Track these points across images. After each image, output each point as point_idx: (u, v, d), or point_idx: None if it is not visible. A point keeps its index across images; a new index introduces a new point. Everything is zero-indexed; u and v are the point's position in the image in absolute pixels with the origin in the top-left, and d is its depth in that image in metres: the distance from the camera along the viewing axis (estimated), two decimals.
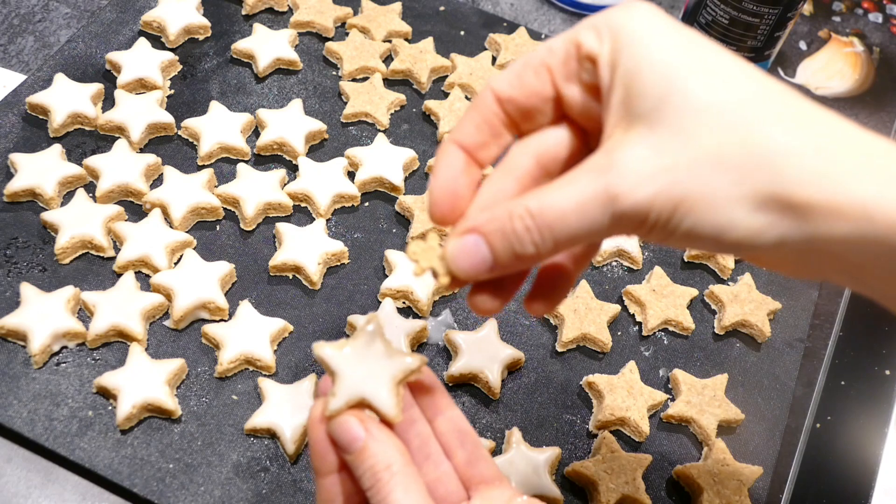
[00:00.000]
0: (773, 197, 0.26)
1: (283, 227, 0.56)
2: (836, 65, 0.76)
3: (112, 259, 0.54)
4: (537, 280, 0.35)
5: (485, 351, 0.52)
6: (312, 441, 0.34)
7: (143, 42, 0.64)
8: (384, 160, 0.60)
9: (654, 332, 0.57)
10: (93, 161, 0.57)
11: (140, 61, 0.62)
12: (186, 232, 0.56)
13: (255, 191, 0.57)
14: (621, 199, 0.27)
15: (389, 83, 0.67)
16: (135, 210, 0.57)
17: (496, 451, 0.50)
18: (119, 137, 0.59)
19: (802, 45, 0.78)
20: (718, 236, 0.27)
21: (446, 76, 0.68)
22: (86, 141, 0.59)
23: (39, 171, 0.55)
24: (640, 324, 0.57)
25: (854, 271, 0.28)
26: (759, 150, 0.26)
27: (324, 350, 0.34)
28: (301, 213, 0.59)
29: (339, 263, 0.57)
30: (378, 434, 0.33)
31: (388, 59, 0.68)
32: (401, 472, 0.32)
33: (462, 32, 0.71)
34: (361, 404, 0.33)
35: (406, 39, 0.69)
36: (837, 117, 0.28)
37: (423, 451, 0.35)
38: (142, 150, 0.60)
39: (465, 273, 0.30)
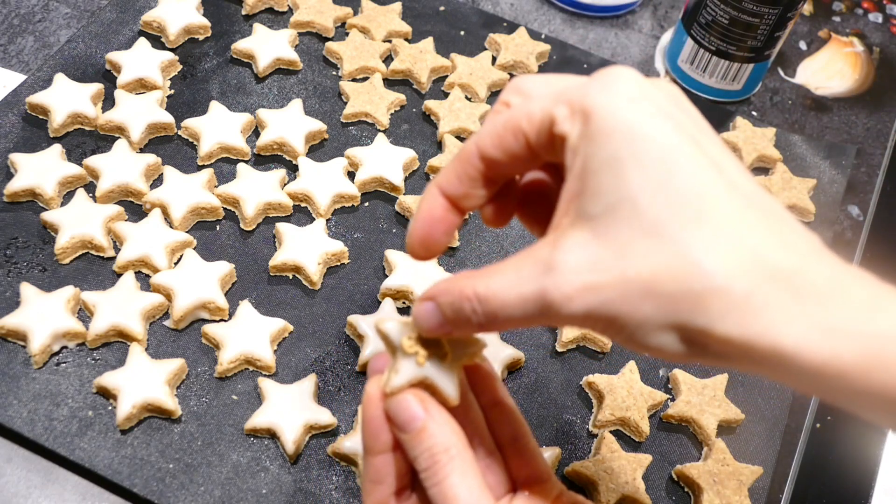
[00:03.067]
0: (693, 331, 0.27)
1: (283, 227, 0.56)
2: (836, 65, 0.76)
3: (112, 259, 0.54)
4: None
5: (484, 351, 0.52)
6: (367, 418, 0.33)
7: (143, 42, 0.64)
8: (384, 160, 0.60)
9: None
10: (93, 161, 0.57)
11: (140, 61, 0.62)
12: (186, 232, 0.56)
13: (255, 191, 0.57)
14: (555, 307, 0.28)
15: (389, 83, 0.67)
16: (135, 210, 0.57)
17: None
18: (119, 137, 0.59)
19: (802, 45, 0.78)
20: (644, 349, 0.28)
21: (446, 76, 0.68)
22: (86, 141, 0.59)
23: (39, 171, 0.56)
24: None
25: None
26: (690, 285, 0.26)
27: (386, 325, 0.33)
28: (301, 213, 0.59)
29: (339, 263, 0.57)
30: (438, 416, 0.32)
31: (388, 59, 0.68)
32: (459, 457, 0.32)
33: (462, 32, 0.71)
34: (422, 384, 0.33)
35: (406, 39, 0.69)
36: (795, 244, 0.27)
37: (475, 439, 0.35)
38: (142, 150, 0.60)
39: (426, 330, 0.32)
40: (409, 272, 0.55)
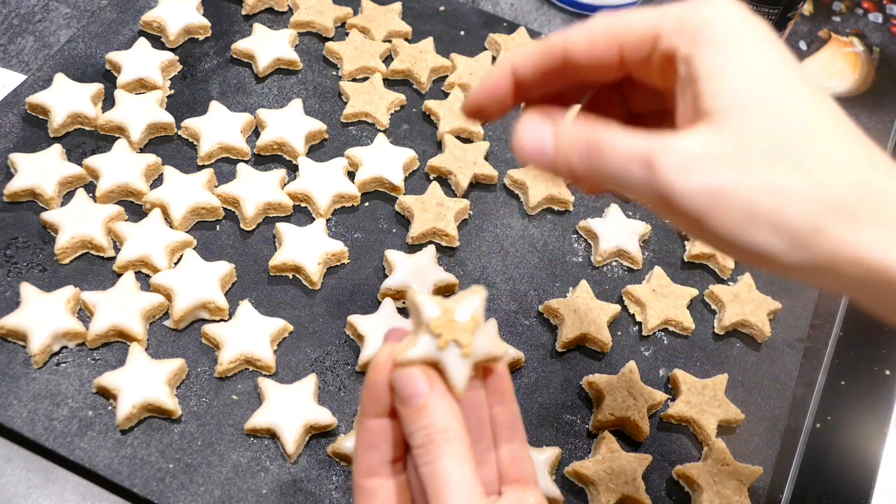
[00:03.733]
0: (802, 233, 0.28)
1: (283, 227, 0.56)
2: (836, 65, 0.76)
3: (112, 259, 0.54)
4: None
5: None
6: (371, 382, 0.33)
7: (143, 42, 0.64)
8: (384, 160, 0.60)
9: (654, 332, 0.57)
10: (93, 161, 0.57)
11: (140, 61, 0.62)
12: (186, 232, 0.56)
13: (255, 191, 0.57)
14: (662, 178, 0.29)
15: (389, 83, 0.67)
16: (135, 210, 0.57)
17: None
18: (119, 137, 0.59)
19: (802, 45, 0.78)
20: (738, 248, 0.29)
21: (446, 76, 0.68)
22: (86, 141, 0.59)
23: (39, 171, 0.55)
24: (640, 324, 0.57)
25: (866, 299, 0.30)
26: (809, 191, 0.28)
27: (420, 297, 0.33)
28: (301, 213, 0.59)
29: (339, 263, 0.57)
30: (441, 395, 0.32)
31: (388, 59, 0.68)
32: (456, 440, 0.31)
33: (462, 32, 0.71)
34: (434, 365, 0.33)
35: (406, 39, 0.69)
36: (882, 156, 0.30)
37: (477, 434, 0.35)
38: (142, 150, 0.60)
39: (526, 157, 0.33)
40: (408, 272, 0.55)
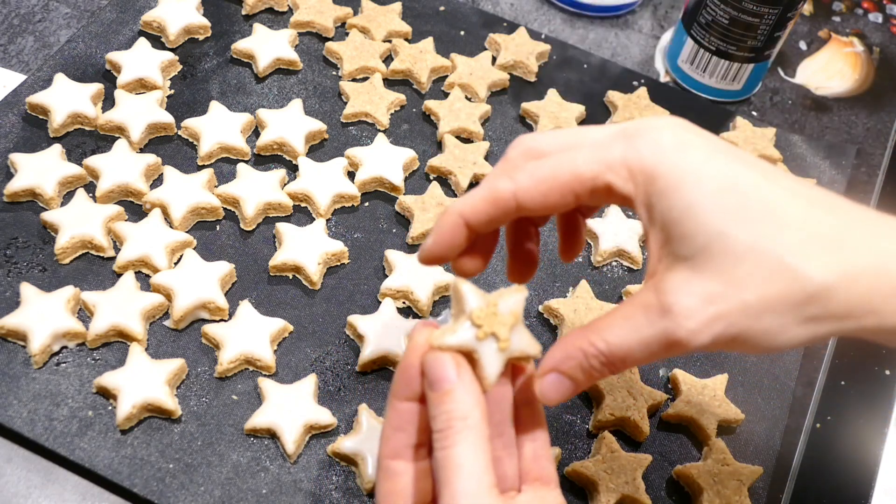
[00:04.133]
0: (820, 317, 0.30)
1: (283, 227, 0.56)
2: (836, 65, 0.76)
3: (112, 259, 0.54)
4: (511, 260, 0.39)
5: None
6: (406, 364, 0.34)
7: (143, 42, 0.64)
8: (384, 160, 0.60)
9: None
10: (93, 161, 0.57)
11: (140, 61, 0.62)
12: (186, 232, 0.56)
13: (255, 191, 0.57)
14: (683, 343, 0.31)
15: (389, 83, 0.67)
16: (135, 210, 0.57)
17: None
18: (119, 137, 0.59)
19: (802, 45, 0.78)
20: (770, 351, 0.32)
21: (446, 76, 0.68)
22: (86, 141, 0.59)
23: (39, 171, 0.55)
24: None
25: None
26: (803, 292, 0.30)
27: (465, 287, 0.34)
28: (301, 213, 0.59)
29: (339, 263, 0.57)
30: (468, 384, 0.33)
31: (388, 59, 0.68)
32: (475, 429, 0.32)
33: (462, 32, 0.71)
34: (469, 355, 0.33)
35: (406, 39, 0.69)
36: (866, 226, 0.31)
37: (499, 428, 0.35)
38: (142, 150, 0.60)
39: (556, 402, 0.35)
40: (408, 272, 0.55)
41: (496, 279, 0.57)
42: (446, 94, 0.66)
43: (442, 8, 0.72)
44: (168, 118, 0.60)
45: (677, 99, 0.70)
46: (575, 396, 0.53)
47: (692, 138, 0.32)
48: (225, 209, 0.57)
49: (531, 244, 0.39)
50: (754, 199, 0.30)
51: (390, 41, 0.68)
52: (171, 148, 0.60)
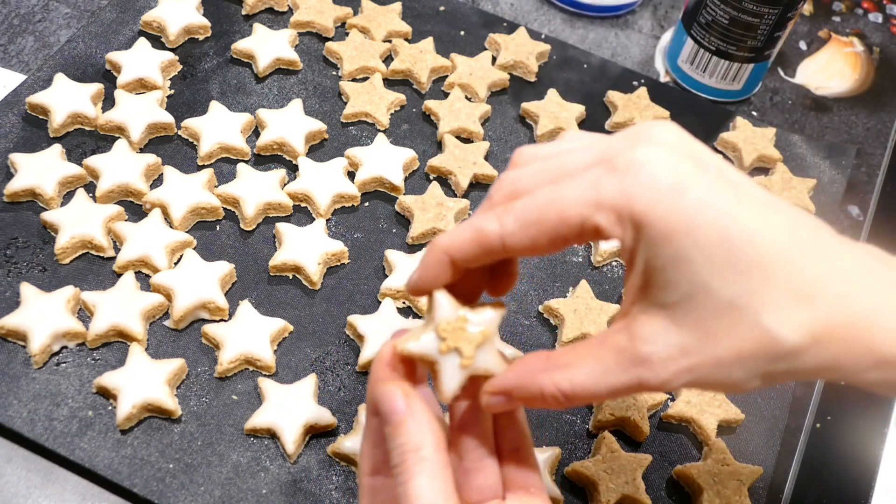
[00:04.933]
0: (787, 372, 0.31)
1: (283, 227, 0.56)
2: (836, 65, 0.76)
3: (112, 259, 0.54)
4: (490, 273, 0.37)
5: None
6: (373, 380, 0.34)
7: (143, 42, 0.64)
8: (384, 160, 0.60)
9: None
10: (93, 161, 0.57)
11: (140, 61, 0.62)
12: (186, 232, 0.56)
13: (255, 191, 0.57)
14: (653, 389, 0.31)
15: (389, 83, 0.67)
16: (135, 210, 0.57)
17: None
18: (119, 137, 0.59)
19: (802, 45, 0.78)
20: (731, 393, 0.33)
21: (446, 76, 0.68)
22: (86, 141, 0.59)
23: (39, 171, 0.55)
24: None
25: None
26: (774, 352, 0.30)
27: (439, 296, 0.34)
28: (301, 213, 0.59)
29: (339, 263, 0.57)
30: (418, 414, 0.32)
31: (388, 59, 0.68)
32: (430, 459, 0.32)
33: (462, 32, 0.71)
34: (430, 364, 0.33)
35: (406, 39, 0.69)
36: (848, 277, 0.31)
37: (479, 440, 0.35)
38: (142, 150, 0.60)
39: (493, 412, 0.35)
40: (408, 272, 0.55)
41: None
42: (446, 94, 0.66)
43: (442, 8, 0.72)
44: (168, 118, 0.60)
45: (677, 99, 0.70)
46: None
47: (689, 176, 0.30)
48: (225, 209, 0.57)
49: (512, 262, 0.38)
50: (742, 251, 0.30)
51: (390, 41, 0.68)
52: (171, 148, 0.60)
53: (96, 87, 0.60)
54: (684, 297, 0.30)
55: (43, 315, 0.50)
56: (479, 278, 0.37)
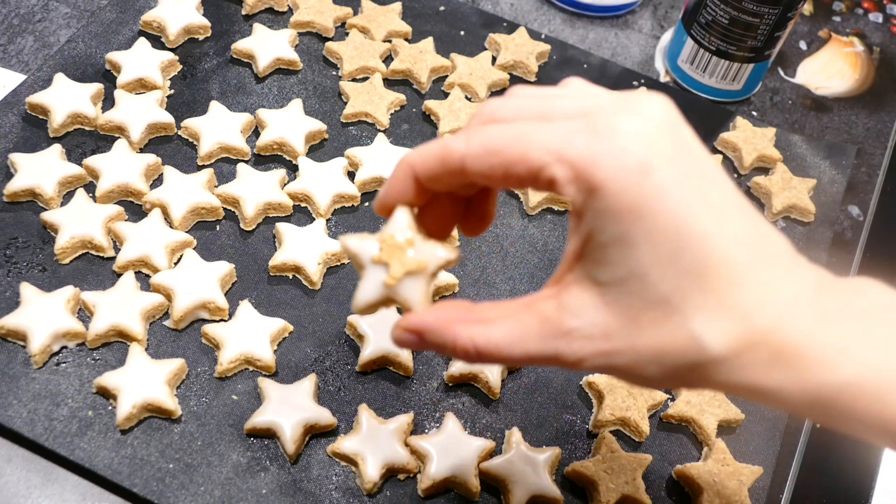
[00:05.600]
0: (690, 382, 0.31)
1: (283, 227, 0.56)
2: (836, 65, 0.76)
3: (112, 259, 0.54)
4: (464, 213, 0.37)
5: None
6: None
7: (143, 42, 0.64)
8: (384, 160, 0.60)
9: None
10: (93, 161, 0.57)
11: (140, 61, 0.62)
12: (186, 232, 0.56)
13: (255, 191, 0.57)
14: (566, 363, 0.31)
15: (389, 83, 0.67)
16: (135, 210, 0.57)
17: (496, 451, 0.50)
18: (119, 137, 0.59)
19: (802, 45, 0.78)
20: (637, 386, 0.33)
21: (446, 76, 0.68)
22: (86, 141, 0.59)
23: (39, 171, 0.55)
24: None
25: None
26: (693, 360, 0.29)
27: (349, 242, 0.33)
28: (301, 213, 0.59)
29: (339, 263, 0.57)
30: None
31: (388, 59, 0.68)
32: None
33: (462, 32, 0.71)
34: (359, 268, 0.33)
35: (406, 39, 0.69)
36: (784, 292, 0.30)
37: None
38: (142, 150, 0.60)
39: (400, 346, 0.34)
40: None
41: (496, 279, 0.58)
42: (446, 94, 0.66)
43: (442, 8, 0.72)
44: (168, 118, 0.60)
45: (677, 99, 0.69)
46: (574, 395, 0.53)
47: (660, 157, 0.29)
48: (225, 209, 0.57)
49: (489, 201, 0.37)
50: (690, 251, 0.28)
51: (390, 41, 0.68)
52: (171, 148, 0.60)
53: (96, 87, 0.60)
54: (620, 280, 0.29)
55: (43, 315, 0.50)
56: (451, 212, 0.36)
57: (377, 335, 0.52)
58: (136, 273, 0.53)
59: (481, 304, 0.33)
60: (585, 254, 0.30)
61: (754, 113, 0.71)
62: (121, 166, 0.57)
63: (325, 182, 0.59)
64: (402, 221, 0.33)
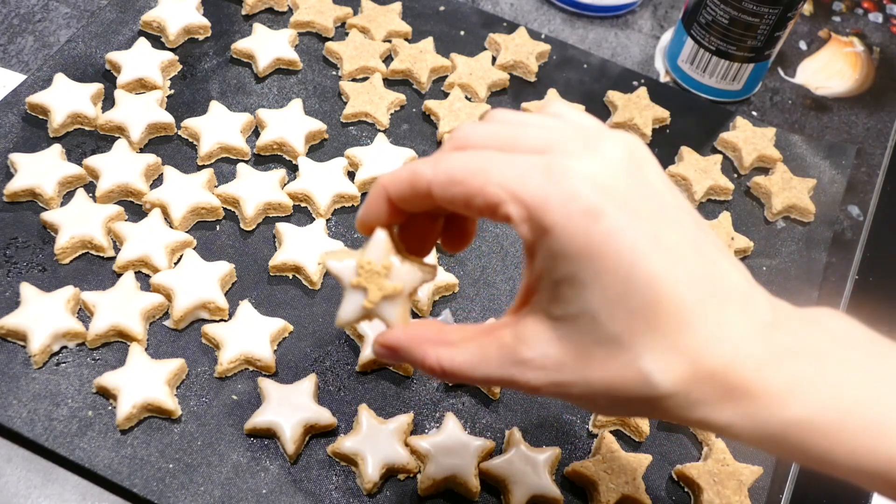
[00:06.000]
0: (649, 412, 0.32)
1: (283, 227, 0.56)
2: (836, 65, 0.76)
3: (112, 259, 0.54)
4: (445, 228, 0.39)
5: None
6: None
7: (143, 42, 0.64)
8: (384, 160, 0.60)
9: None
10: (93, 161, 0.57)
11: (140, 61, 0.62)
12: (186, 232, 0.56)
13: (255, 191, 0.57)
14: (521, 387, 0.32)
15: (389, 83, 0.67)
16: (135, 210, 0.57)
17: (496, 451, 0.50)
18: (119, 137, 0.59)
19: (802, 45, 0.78)
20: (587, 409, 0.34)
21: (446, 76, 0.68)
22: (86, 141, 0.59)
23: (39, 171, 0.55)
24: None
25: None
26: (642, 395, 0.30)
27: (331, 263, 0.36)
28: (301, 213, 0.59)
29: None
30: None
31: (388, 59, 0.68)
32: None
33: (462, 32, 0.71)
34: (368, 316, 0.36)
35: (406, 39, 0.69)
36: (731, 335, 0.30)
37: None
38: (142, 150, 0.60)
39: (379, 358, 0.37)
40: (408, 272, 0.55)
41: (496, 278, 0.58)
42: (446, 94, 0.66)
43: (442, 8, 0.72)
44: (168, 118, 0.60)
45: (677, 99, 0.70)
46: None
47: (612, 202, 0.29)
48: (225, 209, 0.57)
49: (468, 221, 0.38)
50: (640, 292, 0.29)
51: (390, 41, 0.68)
52: (171, 148, 0.60)
53: (96, 87, 0.60)
54: (572, 317, 0.30)
55: (43, 315, 0.50)
56: (431, 229, 0.38)
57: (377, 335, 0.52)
58: (136, 273, 0.53)
59: (448, 327, 0.35)
60: (539, 289, 0.32)
61: (754, 113, 0.71)
62: (121, 166, 0.57)
63: (325, 182, 0.59)
64: (378, 244, 0.35)
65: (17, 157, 0.56)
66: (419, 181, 0.33)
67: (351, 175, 0.60)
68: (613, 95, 0.67)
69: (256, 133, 0.62)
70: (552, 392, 0.32)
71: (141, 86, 0.62)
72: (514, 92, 0.68)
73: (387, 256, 0.35)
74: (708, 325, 0.30)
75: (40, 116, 0.60)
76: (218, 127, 0.60)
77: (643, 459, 0.50)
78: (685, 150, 0.65)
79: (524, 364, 0.32)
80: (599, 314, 0.30)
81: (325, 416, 0.49)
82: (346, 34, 0.69)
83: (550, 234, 0.30)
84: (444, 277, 0.55)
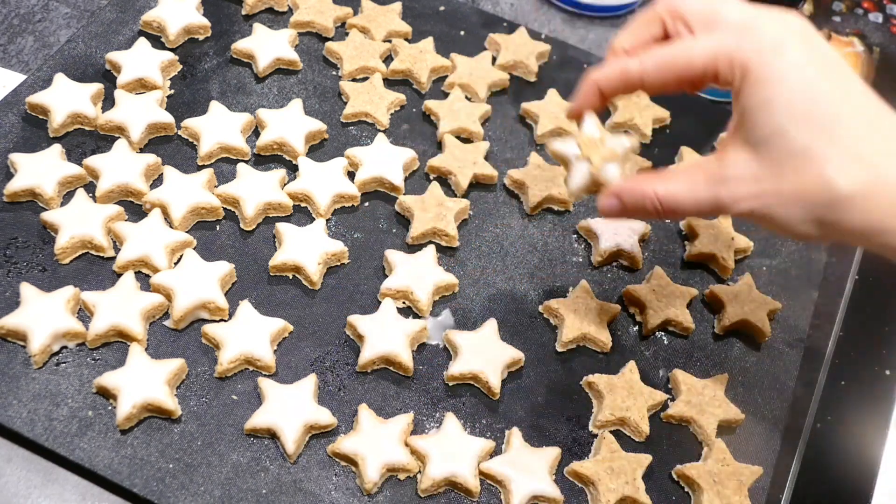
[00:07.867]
0: (827, 222, 0.39)
1: (283, 227, 0.56)
2: None
3: (112, 259, 0.54)
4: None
5: (485, 351, 0.52)
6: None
7: (143, 42, 0.64)
8: (384, 160, 0.60)
9: (654, 332, 0.57)
10: (93, 161, 0.57)
11: (140, 61, 0.62)
12: (186, 232, 0.56)
13: (255, 191, 0.57)
14: (725, 207, 0.41)
15: (389, 83, 0.67)
16: (135, 210, 0.57)
17: (496, 451, 0.50)
18: (119, 137, 0.59)
19: None
20: (789, 235, 0.41)
21: (446, 76, 0.68)
22: (86, 141, 0.59)
23: (39, 171, 0.55)
24: (640, 324, 0.57)
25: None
26: (828, 197, 0.38)
27: (556, 145, 0.47)
28: (301, 213, 0.59)
29: (339, 263, 0.57)
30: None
31: (388, 59, 0.68)
32: None
33: (462, 32, 0.71)
34: (565, 163, 0.47)
35: (406, 39, 0.69)
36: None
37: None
38: (142, 150, 0.60)
39: (607, 216, 0.45)
40: (408, 272, 0.55)
41: (496, 279, 0.58)
42: (446, 94, 0.66)
43: (442, 8, 0.72)
44: (168, 118, 0.60)
45: (677, 99, 0.69)
46: (574, 395, 0.53)
47: (792, 42, 0.38)
48: (225, 209, 0.57)
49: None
50: (823, 110, 0.37)
51: (390, 41, 0.68)
52: (171, 148, 0.60)
53: (96, 87, 0.60)
54: (766, 138, 0.38)
55: (43, 315, 0.50)
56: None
57: (377, 335, 0.52)
58: (136, 273, 0.53)
59: (662, 169, 0.43)
60: (740, 122, 0.40)
61: None
62: (121, 166, 0.57)
63: (325, 182, 0.59)
64: (591, 123, 0.45)
65: (17, 157, 0.56)
66: (630, 76, 0.42)
67: (351, 175, 0.60)
68: None
69: (256, 133, 0.62)
70: (752, 207, 0.39)
71: (141, 86, 0.62)
72: (515, 92, 0.68)
73: (598, 131, 0.45)
74: (882, 140, 0.37)
75: (40, 116, 0.60)
76: (218, 127, 0.60)
77: (643, 459, 0.50)
78: (685, 150, 0.65)
79: (727, 181, 0.40)
80: (789, 129, 0.38)
81: (325, 416, 0.49)
82: (346, 34, 0.69)
83: (748, 69, 0.38)
84: (444, 278, 0.55)
